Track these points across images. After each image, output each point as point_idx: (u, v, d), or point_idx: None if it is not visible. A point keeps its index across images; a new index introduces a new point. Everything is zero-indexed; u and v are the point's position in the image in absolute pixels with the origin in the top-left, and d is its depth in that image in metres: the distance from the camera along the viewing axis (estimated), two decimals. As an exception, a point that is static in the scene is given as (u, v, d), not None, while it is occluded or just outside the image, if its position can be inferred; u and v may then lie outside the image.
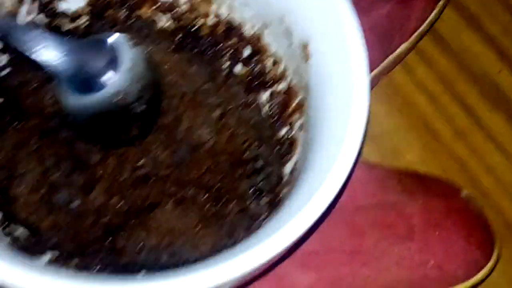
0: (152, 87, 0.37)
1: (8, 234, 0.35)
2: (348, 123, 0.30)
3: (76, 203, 0.36)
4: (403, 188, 0.40)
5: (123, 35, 0.35)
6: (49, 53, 0.32)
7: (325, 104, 0.33)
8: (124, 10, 0.41)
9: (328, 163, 0.29)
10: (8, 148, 0.37)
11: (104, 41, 0.34)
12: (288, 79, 0.39)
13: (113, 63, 0.34)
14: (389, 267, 0.37)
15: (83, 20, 0.41)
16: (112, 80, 0.34)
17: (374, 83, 0.45)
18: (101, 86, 0.34)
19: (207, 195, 0.38)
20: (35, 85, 0.39)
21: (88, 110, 0.34)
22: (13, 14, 0.38)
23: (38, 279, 0.26)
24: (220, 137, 0.39)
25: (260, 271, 0.29)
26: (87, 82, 0.34)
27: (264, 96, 0.40)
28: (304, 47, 0.35)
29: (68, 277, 0.27)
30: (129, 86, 0.35)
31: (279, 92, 0.40)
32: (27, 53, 0.32)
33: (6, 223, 0.36)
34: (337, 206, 0.38)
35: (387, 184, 0.40)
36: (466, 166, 0.46)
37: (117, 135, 0.37)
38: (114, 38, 0.35)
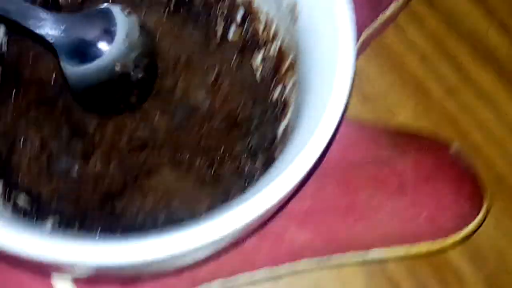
0: (148, 54, 0.38)
1: (10, 201, 0.36)
2: (334, 79, 0.31)
3: (75, 169, 0.37)
4: (394, 145, 0.41)
5: (117, 5, 0.36)
6: (48, 28, 0.33)
7: (313, 62, 0.34)
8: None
9: (316, 118, 0.30)
10: (8, 117, 0.38)
11: (99, 12, 0.35)
12: (280, 39, 0.39)
13: (109, 33, 0.35)
14: (382, 221, 0.38)
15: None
16: (109, 49, 0.35)
17: (366, 45, 0.46)
18: (98, 56, 0.35)
19: (203, 157, 0.38)
20: (32, 55, 0.39)
21: (87, 79, 0.35)
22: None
23: (42, 243, 0.26)
24: (215, 99, 0.40)
25: (257, 224, 0.30)
26: (84, 53, 0.35)
27: (258, 57, 0.41)
28: (293, 6, 0.36)
29: (71, 240, 0.27)
30: (126, 54, 0.36)
31: (272, 53, 0.40)
32: (28, 28, 0.33)
33: (8, 190, 0.37)
34: (330, 164, 0.40)
35: (379, 142, 0.41)
36: (457, 123, 0.46)
37: (116, 103, 0.38)
38: (108, 8, 0.35)
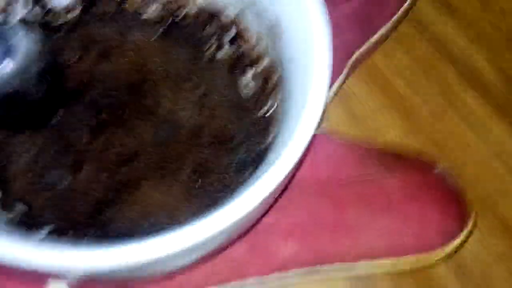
0: (49, 73, 0.38)
1: (6, 210, 0.37)
2: (309, 92, 0.32)
3: (66, 180, 0.38)
4: (382, 165, 0.42)
5: (19, 25, 0.37)
6: None
7: (294, 80, 0.35)
8: (111, 3, 0.43)
9: (290, 131, 0.31)
10: (3, 134, 0.39)
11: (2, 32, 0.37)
12: (267, 58, 0.40)
13: (10, 51, 0.36)
14: (369, 237, 0.39)
15: (74, 15, 0.43)
16: (9, 67, 0.36)
17: (356, 66, 0.47)
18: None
19: (189, 171, 0.39)
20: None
21: None
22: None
23: (35, 251, 0.27)
24: (202, 115, 0.41)
25: (237, 230, 0.31)
26: None
27: (247, 75, 0.42)
28: (277, 25, 0.37)
29: (63, 248, 0.28)
30: (25, 72, 0.36)
31: (259, 71, 0.41)
32: None
33: (4, 200, 0.37)
34: (320, 181, 0.41)
35: (367, 161, 0.42)
36: (443, 143, 0.48)
37: (19, 117, 0.39)
38: (11, 28, 0.37)
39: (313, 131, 0.31)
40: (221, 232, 0.28)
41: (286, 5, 0.36)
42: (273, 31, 0.38)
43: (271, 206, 0.34)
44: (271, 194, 0.30)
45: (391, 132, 0.48)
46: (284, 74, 0.38)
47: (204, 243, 0.29)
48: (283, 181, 0.30)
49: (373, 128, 0.48)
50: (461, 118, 0.48)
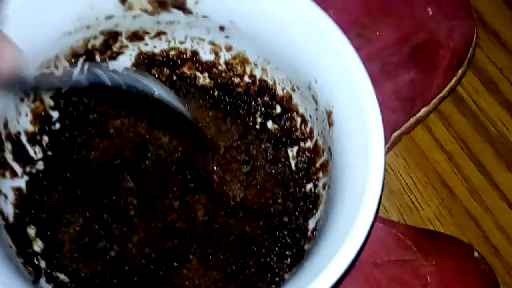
0: None
1: (51, 282, 0.38)
2: (366, 186, 0.33)
3: (112, 252, 0.39)
4: (419, 247, 0.42)
5: None
6: None
7: (345, 166, 0.36)
8: (166, 69, 0.44)
9: (348, 223, 0.32)
10: (55, 199, 0.40)
11: None
12: (314, 139, 0.41)
13: None
14: (402, 323, 0.40)
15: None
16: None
17: (396, 142, 0.48)
18: None
19: (232, 251, 0.40)
20: (81, 140, 0.42)
21: None
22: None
23: None
24: (248, 192, 0.42)
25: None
26: None
27: (293, 151, 0.43)
28: (329, 113, 0.38)
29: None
30: None
31: (306, 150, 0.42)
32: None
33: (49, 271, 0.38)
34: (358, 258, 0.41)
35: (404, 243, 0.43)
36: (479, 224, 0.48)
37: None
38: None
39: (372, 223, 0.32)
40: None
41: (341, 95, 0.37)
42: (323, 117, 0.39)
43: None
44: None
45: (427, 209, 0.48)
46: (331, 159, 0.38)
47: None
48: (342, 276, 0.31)
49: (410, 203, 0.48)
50: (499, 198, 0.49)
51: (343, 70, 0.36)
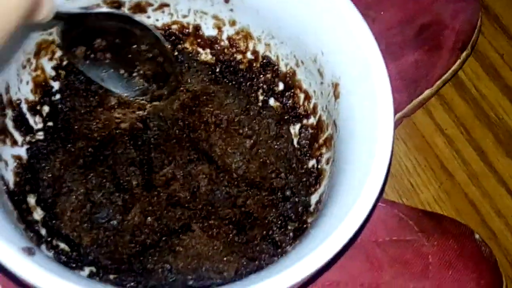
0: None
1: (52, 249, 0.38)
2: (373, 161, 0.32)
3: (114, 221, 0.39)
4: (420, 228, 0.42)
5: None
6: None
7: (351, 141, 0.35)
8: (168, 44, 0.44)
9: (352, 198, 0.32)
10: (56, 168, 0.39)
11: None
12: (318, 114, 0.41)
13: None
14: (404, 301, 0.40)
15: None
16: None
17: (397, 124, 0.48)
18: None
19: (235, 221, 0.39)
20: (83, 111, 0.41)
21: None
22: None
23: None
24: (251, 165, 0.41)
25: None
26: None
27: (296, 127, 0.43)
28: (335, 86, 0.37)
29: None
30: None
31: (308, 126, 0.42)
32: None
33: (50, 238, 0.38)
34: (359, 239, 0.41)
35: (405, 223, 0.42)
36: (478, 208, 0.48)
37: None
38: None
39: (377, 198, 0.31)
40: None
41: (350, 68, 0.36)
42: (329, 91, 0.38)
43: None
44: (330, 259, 0.30)
45: (426, 192, 0.48)
46: (335, 134, 0.38)
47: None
48: (343, 247, 0.30)
49: (409, 186, 0.48)
50: (498, 183, 0.49)
51: (352, 39, 0.35)
